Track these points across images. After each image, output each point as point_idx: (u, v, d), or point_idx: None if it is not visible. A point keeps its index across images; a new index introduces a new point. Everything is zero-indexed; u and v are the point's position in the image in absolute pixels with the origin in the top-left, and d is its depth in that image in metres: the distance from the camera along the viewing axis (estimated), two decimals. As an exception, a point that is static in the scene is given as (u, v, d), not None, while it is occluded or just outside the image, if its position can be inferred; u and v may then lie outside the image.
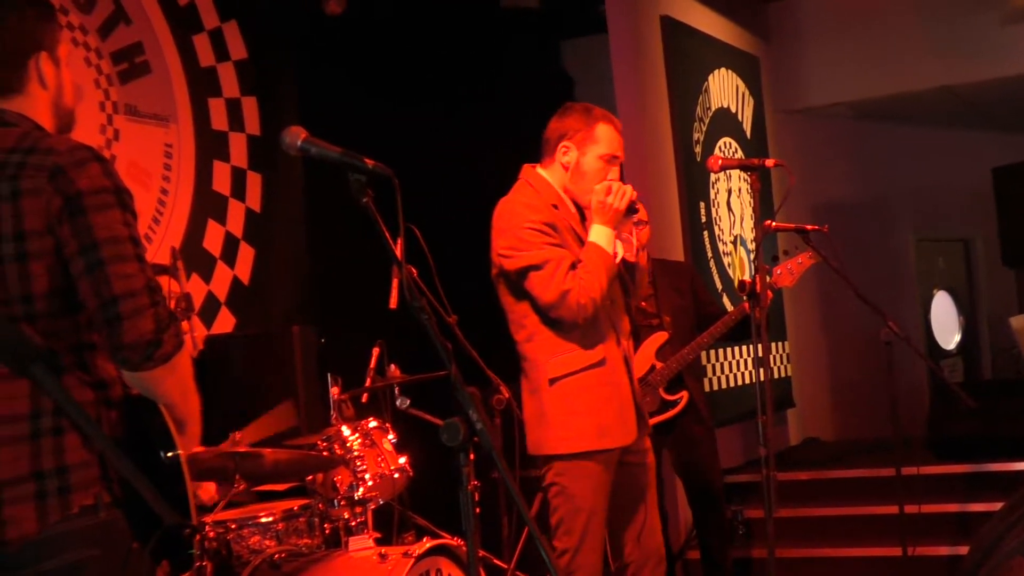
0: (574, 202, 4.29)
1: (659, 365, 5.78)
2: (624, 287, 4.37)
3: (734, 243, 8.47)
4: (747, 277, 4.31)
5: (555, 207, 4.24)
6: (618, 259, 4.20)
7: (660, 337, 5.81)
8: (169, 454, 2.64)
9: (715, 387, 7.78)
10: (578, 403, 4.17)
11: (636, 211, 4.22)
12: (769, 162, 4.44)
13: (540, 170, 4.33)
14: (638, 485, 4.33)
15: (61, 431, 2.56)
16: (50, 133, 2.70)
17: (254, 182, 6.62)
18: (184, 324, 3.62)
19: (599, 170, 4.23)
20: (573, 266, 4.11)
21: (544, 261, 4.11)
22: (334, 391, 5.03)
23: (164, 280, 3.95)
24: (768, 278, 4.41)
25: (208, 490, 3.80)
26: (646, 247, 4.38)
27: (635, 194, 4.21)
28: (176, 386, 2.67)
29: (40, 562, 2.54)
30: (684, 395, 5.87)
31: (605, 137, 4.24)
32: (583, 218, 4.27)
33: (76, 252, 2.54)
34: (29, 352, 2.53)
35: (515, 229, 4.17)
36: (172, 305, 4.04)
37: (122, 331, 2.52)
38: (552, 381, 4.19)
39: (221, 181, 6.44)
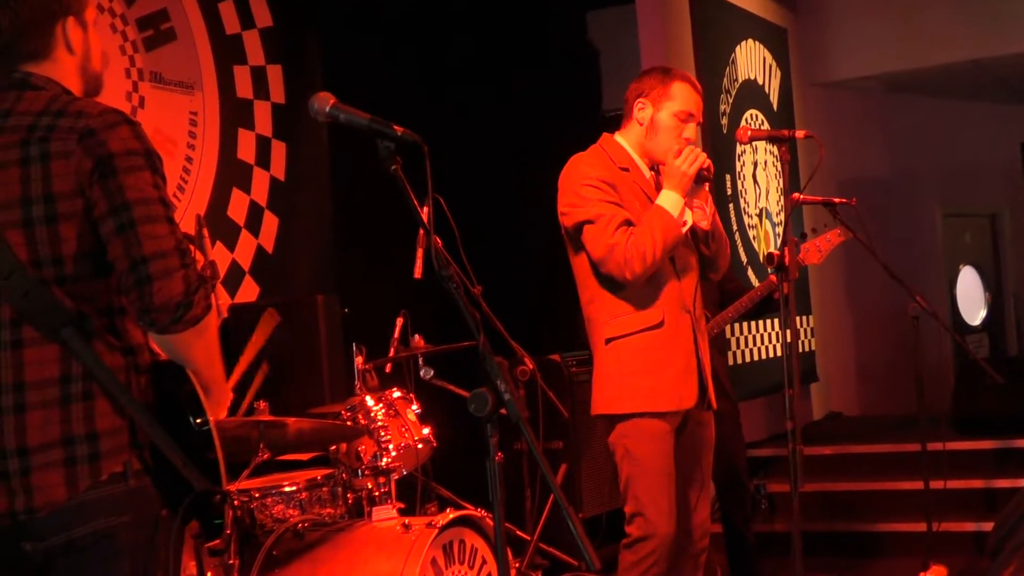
0: (653, 168, 4.26)
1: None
2: (701, 256, 4.34)
3: (759, 216, 8.43)
4: (774, 250, 4.25)
5: (625, 170, 4.23)
6: (686, 226, 4.14)
7: None
8: (199, 420, 2.63)
9: (738, 361, 7.75)
10: (633, 364, 4.17)
11: (708, 179, 4.17)
12: (799, 134, 4.39)
13: (617, 136, 4.33)
14: (694, 456, 4.32)
15: (91, 396, 2.56)
16: (79, 97, 2.69)
17: (279, 151, 6.60)
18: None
19: (673, 127, 4.21)
20: (631, 225, 4.10)
21: (597, 216, 4.12)
22: (358, 361, 5.02)
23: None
24: (796, 254, 4.36)
25: None
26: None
27: (707, 161, 4.15)
28: (204, 350, 2.66)
29: (70, 529, 2.54)
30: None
31: (681, 94, 4.22)
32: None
33: (106, 213, 2.53)
34: (60, 316, 2.53)
35: (573, 186, 4.19)
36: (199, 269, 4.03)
37: (152, 292, 2.51)
38: (608, 341, 4.21)
39: (246, 149, 6.42)
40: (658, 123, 4.23)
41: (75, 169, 2.53)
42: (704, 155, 4.16)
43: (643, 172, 4.28)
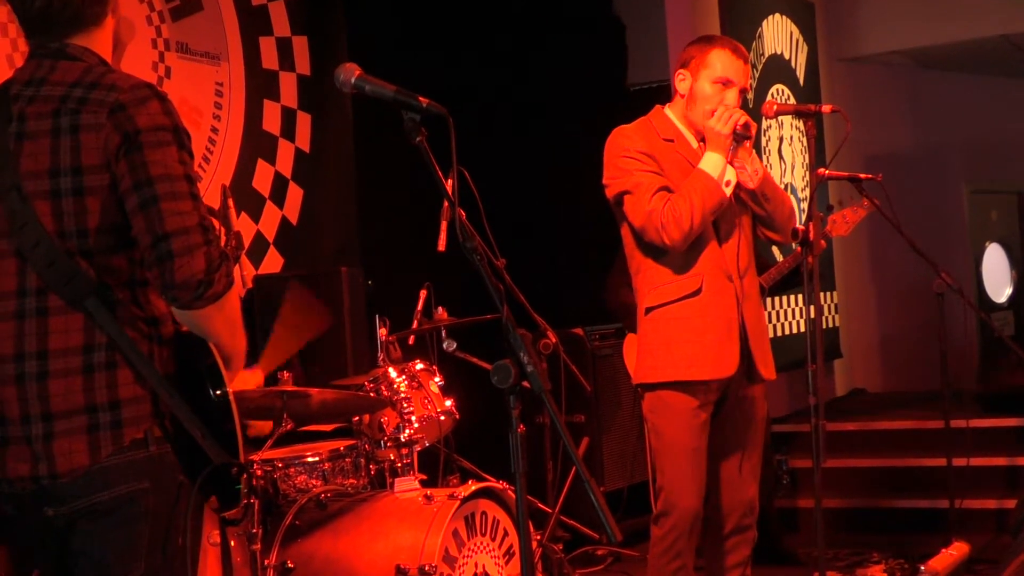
0: (702, 140, 4.22)
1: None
2: (756, 218, 4.31)
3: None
4: (799, 225, 4.23)
5: (670, 141, 4.22)
6: (731, 187, 4.10)
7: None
8: (218, 392, 2.64)
9: (762, 336, 7.72)
10: (670, 333, 4.17)
11: (748, 137, 4.11)
12: (825, 108, 4.36)
13: (666, 108, 4.31)
14: (739, 430, 4.29)
15: (114, 365, 2.58)
16: (114, 69, 2.70)
17: (303, 122, 6.60)
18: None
19: (712, 95, 4.16)
20: (670, 191, 4.08)
21: (635, 186, 4.12)
22: (381, 333, 5.04)
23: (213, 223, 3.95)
24: (823, 227, 4.34)
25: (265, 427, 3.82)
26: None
27: (743, 118, 4.09)
28: (225, 324, 2.67)
29: (92, 494, 2.56)
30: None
31: (719, 61, 4.17)
32: None
33: (131, 188, 2.54)
34: (84, 286, 2.54)
35: (613, 158, 4.20)
36: (223, 243, 4.04)
37: (173, 269, 2.52)
38: (648, 311, 4.22)
39: (271, 121, 6.42)
40: (697, 92, 4.19)
41: (103, 143, 2.55)
42: (741, 113, 4.11)
43: (690, 143, 4.24)
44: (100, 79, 2.61)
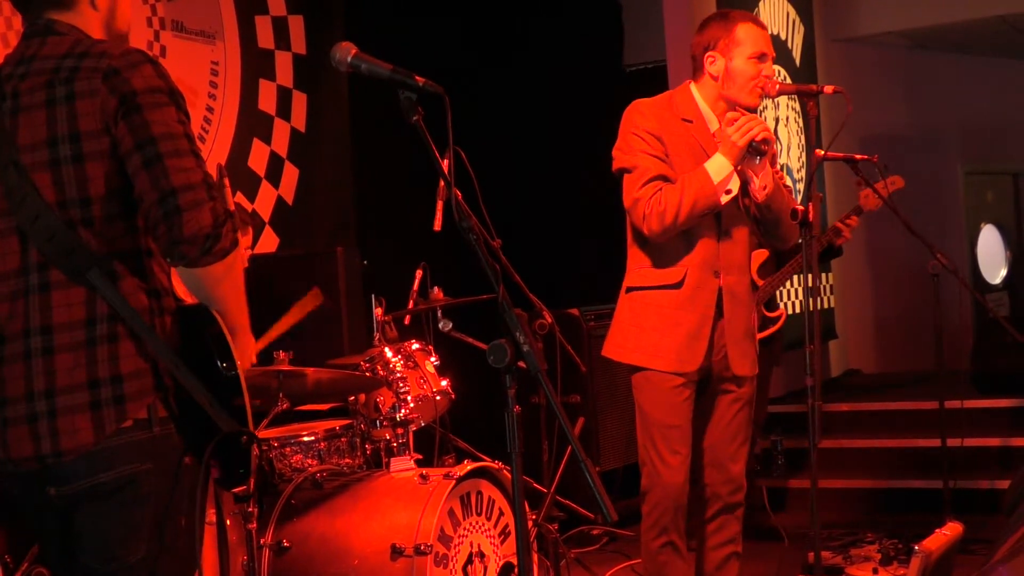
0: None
1: (761, 283, 5.74)
2: (758, 225, 4.29)
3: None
4: (798, 206, 4.21)
5: (688, 121, 4.18)
6: (730, 195, 4.06)
7: (761, 255, 5.70)
8: (224, 364, 2.62)
9: (757, 317, 7.73)
10: (645, 318, 4.19)
11: (764, 152, 4.05)
12: (827, 89, 4.32)
13: (692, 85, 4.26)
14: (726, 414, 4.30)
15: (116, 338, 2.57)
16: (102, 39, 2.71)
17: (299, 102, 6.59)
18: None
19: (750, 71, 4.13)
20: (666, 181, 4.08)
21: (633, 166, 4.12)
22: (377, 312, 5.04)
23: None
24: (820, 211, 4.31)
25: None
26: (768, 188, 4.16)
27: (762, 133, 4.02)
28: (232, 289, 2.67)
29: (94, 474, 2.56)
30: (782, 312, 5.85)
31: (748, 37, 4.14)
32: None
33: (133, 148, 2.55)
34: (85, 258, 2.54)
35: (624, 132, 4.19)
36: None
37: (182, 223, 2.51)
38: (628, 290, 4.26)
39: (267, 100, 6.41)
40: (733, 71, 4.14)
41: (100, 107, 2.55)
42: (762, 125, 4.05)
43: (708, 126, 4.20)
44: (90, 48, 2.61)
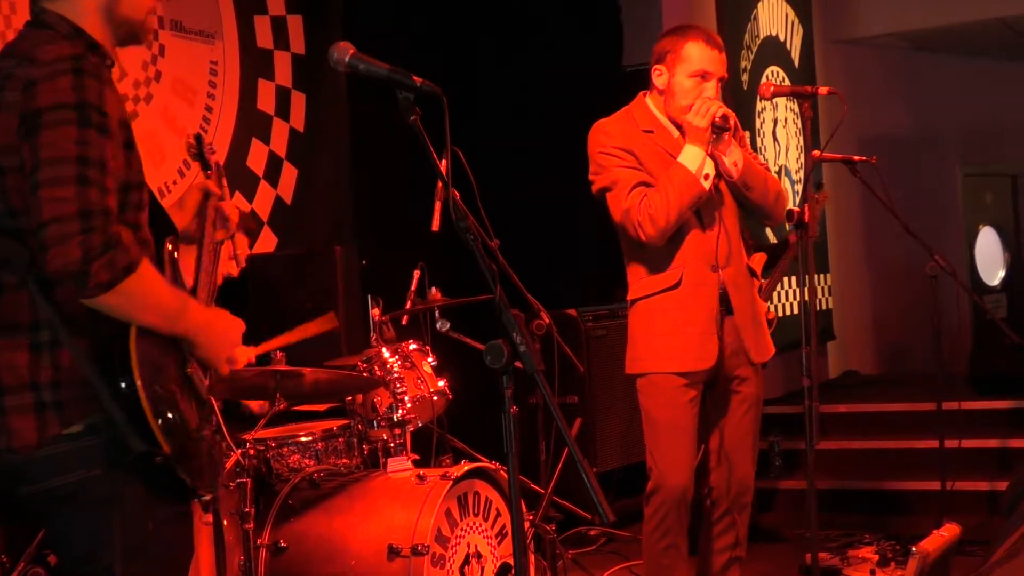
0: (680, 127, 4.21)
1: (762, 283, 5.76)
2: (745, 207, 4.30)
3: (779, 173, 8.39)
4: (794, 207, 4.22)
5: (649, 132, 4.21)
6: (709, 180, 4.09)
7: (761, 258, 5.73)
8: (123, 384, 2.50)
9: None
10: (653, 325, 4.22)
11: (726, 128, 4.09)
12: (822, 90, 4.34)
13: (647, 97, 4.30)
14: (732, 410, 4.32)
15: (58, 345, 2.54)
16: (59, 39, 2.58)
17: (298, 102, 6.59)
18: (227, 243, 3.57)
19: (690, 88, 4.15)
20: (648, 186, 4.10)
21: (613, 182, 4.16)
22: (375, 312, 5.03)
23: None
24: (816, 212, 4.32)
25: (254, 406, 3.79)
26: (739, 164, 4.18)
27: (720, 110, 4.07)
28: (138, 308, 2.53)
29: (54, 476, 2.54)
30: (772, 315, 5.87)
31: (694, 54, 4.15)
32: None
33: (28, 171, 2.45)
34: (20, 265, 2.51)
35: (594, 154, 4.24)
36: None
37: (46, 260, 2.39)
38: (632, 302, 4.29)
39: (265, 100, 6.41)
40: (675, 87, 4.18)
41: (11, 123, 2.48)
42: (718, 105, 4.09)
43: (670, 133, 4.23)
44: (32, 51, 2.52)
